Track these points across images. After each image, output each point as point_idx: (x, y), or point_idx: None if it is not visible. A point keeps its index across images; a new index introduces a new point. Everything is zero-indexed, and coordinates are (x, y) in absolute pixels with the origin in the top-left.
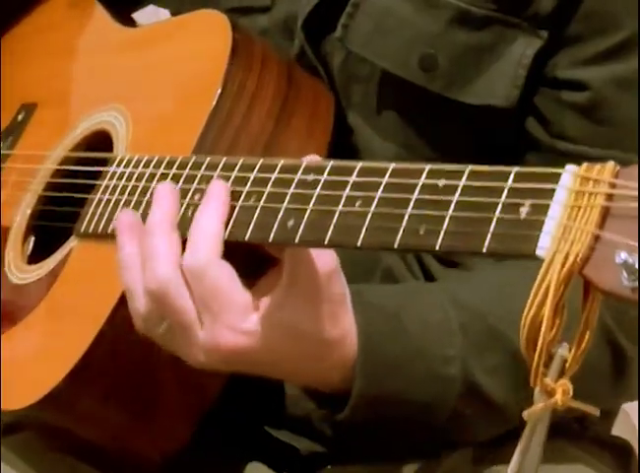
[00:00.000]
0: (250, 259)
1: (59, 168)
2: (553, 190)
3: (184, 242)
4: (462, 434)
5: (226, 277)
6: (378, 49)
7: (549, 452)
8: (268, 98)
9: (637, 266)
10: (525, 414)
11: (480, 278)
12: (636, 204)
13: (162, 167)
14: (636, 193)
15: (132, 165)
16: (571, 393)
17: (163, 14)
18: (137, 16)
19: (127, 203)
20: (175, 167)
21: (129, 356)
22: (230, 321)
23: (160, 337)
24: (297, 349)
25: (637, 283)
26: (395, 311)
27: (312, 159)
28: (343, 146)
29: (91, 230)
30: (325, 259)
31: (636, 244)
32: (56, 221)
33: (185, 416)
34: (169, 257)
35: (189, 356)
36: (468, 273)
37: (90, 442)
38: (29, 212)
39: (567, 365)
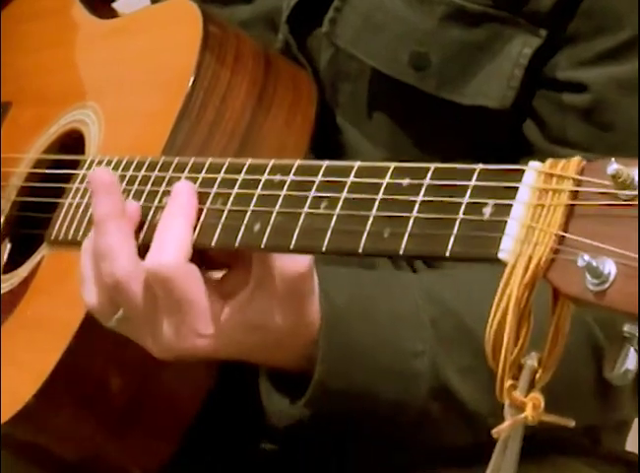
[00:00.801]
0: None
1: (31, 171)
2: (516, 189)
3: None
4: (430, 436)
5: (193, 282)
6: (367, 46)
7: (558, 470)
8: (243, 89)
9: (601, 269)
10: (494, 432)
11: (460, 275)
12: (600, 202)
13: (132, 169)
14: (600, 190)
15: (102, 167)
16: (542, 406)
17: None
18: (120, 5)
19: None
20: (144, 168)
21: (103, 369)
22: (197, 326)
23: (115, 327)
24: (262, 342)
25: (602, 287)
26: (362, 298)
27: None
28: (329, 148)
29: (61, 236)
30: (299, 261)
31: (600, 246)
32: (31, 227)
33: (165, 431)
34: (127, 252)
35: (147, 346)
36: (449, 270)
37: (66, 460)
38: (3, 218)
39: (537, 376)
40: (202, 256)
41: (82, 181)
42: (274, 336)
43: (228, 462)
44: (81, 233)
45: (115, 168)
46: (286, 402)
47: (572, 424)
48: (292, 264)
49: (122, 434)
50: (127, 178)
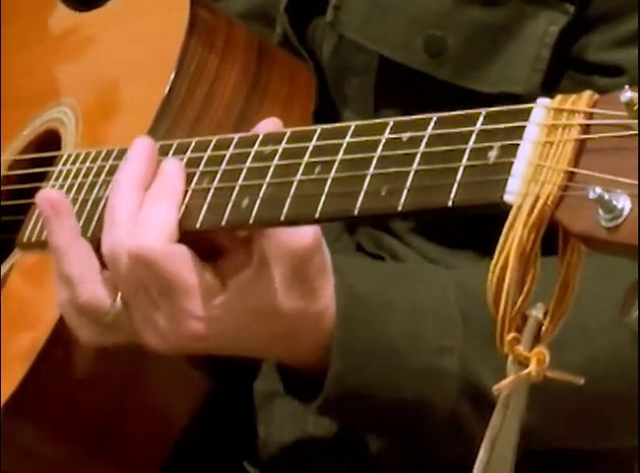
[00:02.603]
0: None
1: (7, 174)
2: (524, 128)
3: None
4: (460, 444)
5: (181, 263)
6: (376, 33)
7: None
8: (233, 77)
9: (614, 203)
10: (495, 388)
11: None
12: (616, 133)
13: (112, 158)
14: (613, 121)
15: (79, 161)
16: (547, 361)
17: None
18: None
19: (73, 202)
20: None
21: (76, 379)
22: (192, 308)
23: (112, 324)
24: (268, 329)
25: (615, 222)
26: (384, 287)
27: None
28: None
29: (33, 238)
30: (303, 234)
31: (613, 178)
32: (10, 231)
33: (150, 447)
34: (125, 220)
35: (148, 342)
36: (483, 262)
37: None
38: None
39: (543, 329)
40: (199, 244)
41: (56, 179)
42: (282, 323)
43: None
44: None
45: (94, 160)
46: (298, 407)
47: (581, 382)
48: (297, 238)
49: (105, 447)
50: (106, 169)
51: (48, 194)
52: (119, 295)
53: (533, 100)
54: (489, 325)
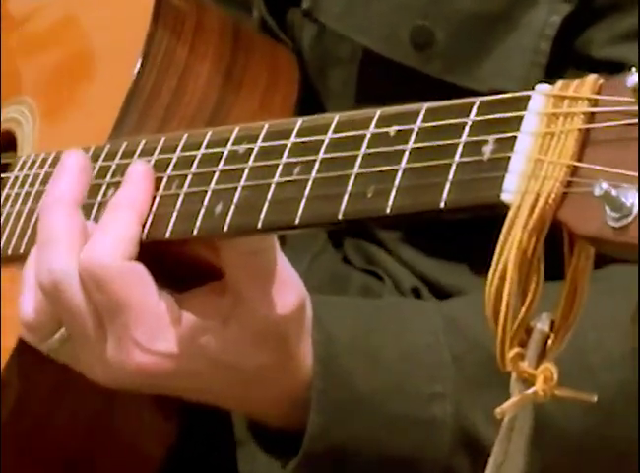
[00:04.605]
0: (181, 265)
1: None
2: (521, 118)
3: None
4: None
5: (135, 285)
6: (357, 22)
7: None
8: (206, 66)
9: (622, 199)
10: (498, 410)
11: None
12: (623, 122)
13: (47, 165)
14: (620, 108)
15: (36, 166)
16: (556, 379)
17: None
18: None
19: (31, 212)
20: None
21: (42, 411)
22: (140, 338)
23: (55, 351)
24: (229, 380)
25: (624, 221)
26: (367, 331)
27: None
28: None
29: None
30: (286, 302)
31: (621, 172)
32: None
33: None
34: (68, 244)
35: (93, 374)
36: (476, 295)
37: None
38: None
39: (549, 343)
40: (167, 269)
41: (12, 187)
42: (247, 375)
43: None
44: (24, 243)
45: (53, 164)
46: (276, 466)
47: (594, 400)
48: (278, 306)
49: None
50: (42, 177)
51: (77, 154)
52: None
53: None
54: (484, 368)
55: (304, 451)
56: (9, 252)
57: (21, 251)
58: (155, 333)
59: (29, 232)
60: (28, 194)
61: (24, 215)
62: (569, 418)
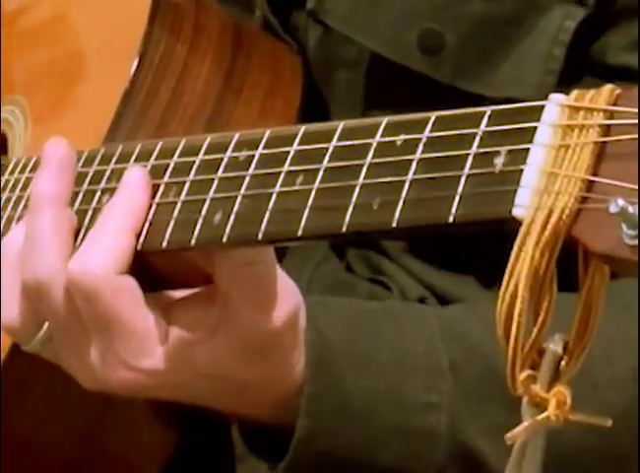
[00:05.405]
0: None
1: None
2: (535, 129)
3: None
4: None
5: (125, 300)
6: (364, 24)
7: None
8: (206, 67)
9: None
10: (508, 436)
11: (491, 308)
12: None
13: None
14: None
15: (28, 169)
16: (569, 403)
17: None
18: None
19: (22, 218)
20: (80, 164)
21: (37, 415)
22: (125, 356)
23: (37, 352)
24: (218, 389)
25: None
26: (361, 336)
27: None
28: None
29: None
30: (274, 317)
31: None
32: None
33: None
34: (55, 246)
35: (75, 375)
36: (476, 303)
37: None
38: None
39: (563, 364)
40: (158, 283)
41: (3, 191)
42: (234, 386)
43: None
44: None
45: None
46: (262, 468)
47: (609, 423)
48: (265, 318)
49: None
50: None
51: (58, 145)
52: (45, 325)
53: None
54: (483, 381)
55: (290, 457)
56: None
57: None
58: (141, 351)
59: None
60: (19, 199)
61: (14, 221)
62: (570, 435)
